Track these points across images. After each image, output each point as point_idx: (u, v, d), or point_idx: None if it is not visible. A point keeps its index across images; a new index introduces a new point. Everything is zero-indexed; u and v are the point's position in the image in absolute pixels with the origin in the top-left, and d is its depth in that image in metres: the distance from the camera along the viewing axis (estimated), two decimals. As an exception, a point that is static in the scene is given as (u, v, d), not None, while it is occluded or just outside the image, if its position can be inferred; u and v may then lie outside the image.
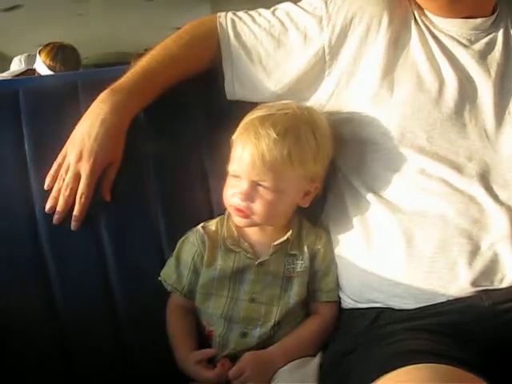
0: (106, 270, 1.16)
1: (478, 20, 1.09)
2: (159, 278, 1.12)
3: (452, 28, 1.10)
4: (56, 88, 1.26)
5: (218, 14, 1.21)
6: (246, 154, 1.03)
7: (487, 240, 0.96)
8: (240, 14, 1.21)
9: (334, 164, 1.13)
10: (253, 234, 1.11)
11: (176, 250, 1.13)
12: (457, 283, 0.95)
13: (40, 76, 2.82)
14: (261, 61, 1.17)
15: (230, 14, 1.21)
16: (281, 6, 1.20)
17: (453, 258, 0.96)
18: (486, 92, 1.05)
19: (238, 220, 1.07)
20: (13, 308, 1.10)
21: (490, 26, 1.10)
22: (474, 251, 0.96)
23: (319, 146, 1.05)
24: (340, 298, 1.10)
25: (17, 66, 3.19)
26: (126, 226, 1.18)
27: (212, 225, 1.12)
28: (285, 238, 1.09)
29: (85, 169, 1.07)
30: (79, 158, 1.07)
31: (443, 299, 0.96)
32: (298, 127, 1.04)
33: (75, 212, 1.09)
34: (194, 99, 1.24)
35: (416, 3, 1.11)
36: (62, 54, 3.04)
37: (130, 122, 1.12)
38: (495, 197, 0.99)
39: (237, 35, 1.18)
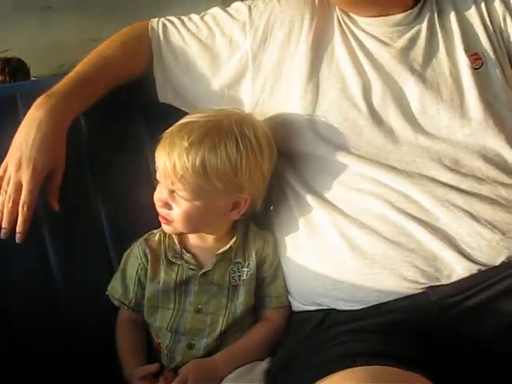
0: (53, 284, 1.15)
1: (398, 16, 1.08)
2: (107, 293, 1.11)
3: (373, 28, 1.09)
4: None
5: (152, 19, 1.19)
6: (161, 163, 1.00)
7: (428, 237, 0.95)
8: (172, 18, 1.19)
9: (275, 168, 1.10)
10: (194, 243, 1.09)
11: (122, 263, 1.11)
12: (400, 282, 0.94)
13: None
14: (188, 66, 1.15)
15: (162, 19, 1.19)
16: (210, 11, 1.19)
17: (394, 258, 0.95)
18: (409, 92, 1.04)
19: (163, 226, 1.06)
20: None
21: (414, 19, 1.09)
22: (416, 249, 0.95)
23: (243, 157, 0.99)
24: (289, 301, 1.09)
25: None
26: (73, 236, 1.17)
27: (156, 235, 1.10)
28: (227, 246, 1.07)
29: (24, 176, 1.04)
30: (18, 167, 1.04)
31: (388, 298, 0.95)
32: (217, 136, 0.99)
33: (18, 224, 1.05)
34: (134, 102, 1.23)
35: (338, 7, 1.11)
36: (8, 67, 3.01)
37: (68, 125, 1.10)
38: (430, 193, 0.97)
39: (166, 39, 1.16)
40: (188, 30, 1.16)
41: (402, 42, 1.07)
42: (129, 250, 1.11)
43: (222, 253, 1.07)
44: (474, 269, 0.92)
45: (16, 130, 1.09)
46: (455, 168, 0.99)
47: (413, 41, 1.07)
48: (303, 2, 1.12)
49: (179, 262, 1.07)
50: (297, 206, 1.08)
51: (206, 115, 1.03)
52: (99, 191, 1.19)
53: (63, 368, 1.12)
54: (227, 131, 1.00)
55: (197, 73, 1.14)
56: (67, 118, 1.10)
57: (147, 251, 1.08)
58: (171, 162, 0.98)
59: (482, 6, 1.10)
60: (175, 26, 1.17)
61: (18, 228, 1.05)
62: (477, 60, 1.06)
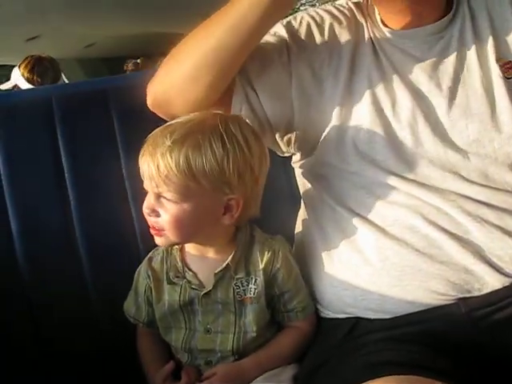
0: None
1: (429, 27, 1.03)
2: (123, 309, 1.10)
3: (405, 41, 1.04)
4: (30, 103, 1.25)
5: None
6: (144, 166, 0.95)
7: (459, 250, 0.94)
8: None
9: (309, 180, 1.11)
10: (195, 261, 1.03)
11: (134, 280, 1.09)
12: (431, 294, 0.94)
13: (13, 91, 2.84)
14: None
15: None
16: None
17: (425, 270, 0.94)
18: (438, 107, 0.99)
19: (156, 239, 1.00)
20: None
21: (446, 27, 1.04)
22: (447, 261, 0.94)
23: (230, 154, 0.93)
24: (317, 308, 1.06)
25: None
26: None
27: (159, 254, 1.06)
28: (225, 264, 1.00)
29: None
30: None
31: (418, 309, 0.94)
32: (201, 133, 0.93)
33: None
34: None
35: (372, 21, 1.08)
36: (38, 66, 3.04)
37: None
38: (460, 208, 0.95)
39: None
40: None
41: (432, 54, 1.02)
42: (139, 268, 1.08)
43: (220, 271, 1.00)
44: (506, 282, 0.92)
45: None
46: (485, 183, 0.96)
47: (443, 53, 1.02)
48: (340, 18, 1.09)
49: (181, 283, 1.02)
50: (328, 218, 1.06)
51: (189, 117, 0.98)
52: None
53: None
54: (212, 129, 0.94)
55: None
56: None
57: (149, 273, 1.05)
58: (154, 163, 0.93)
59: None
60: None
61: None
62: (510, 69, 1.00)
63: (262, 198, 1.04)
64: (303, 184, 1.16)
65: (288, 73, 1.04)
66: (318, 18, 1.10)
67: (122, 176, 1.23)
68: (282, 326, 1.06)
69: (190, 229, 0.97)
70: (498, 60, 1.00)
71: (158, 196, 0.95)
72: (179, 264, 1.03)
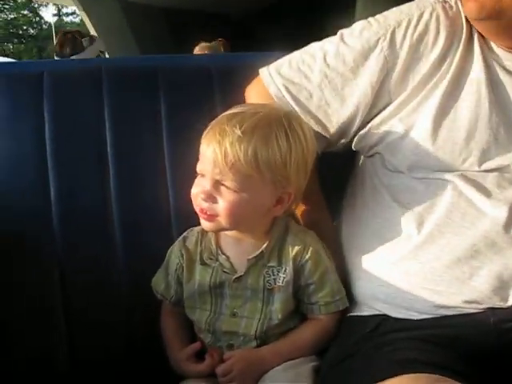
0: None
1: None
2: (151, 285, 1.13)
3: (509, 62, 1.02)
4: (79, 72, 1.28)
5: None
6: (209, 152, 0.97)
7: (497, 259, 0.94)
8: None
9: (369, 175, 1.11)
10: (229, 246, 1.05)
11: (166, 258, 1.11)
12: (462, 302, 0.94)
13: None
14: None
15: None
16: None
17: (461, 276, 0.95)
18: None
19: (204, 224, 1.01)
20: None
21: None
22: (483, 269, 0.94)
23: (292, 149, 0.98)
24: (344, 305, 1.06)
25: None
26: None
27: (194, 235, 1.08)
28: (259, 251, 1.02)
29: None
30: None
31: (448, 313, 0.95)
32: (268, 127, 0.97)
33: None
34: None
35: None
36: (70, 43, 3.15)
37: None
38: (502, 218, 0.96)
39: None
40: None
41: None
42: (172, 246, 1.11)
43: (253, 257, 1.02)
44: None
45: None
46: None
47: None
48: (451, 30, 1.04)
49: (214, 265, 1.04)
50: (380, 213, 1.06)
51: (254, 107, 1.02)
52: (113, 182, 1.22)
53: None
54: (277, 123, 0.98)
55: None
56: None
57: (183, 252, 1.07)
58: (222, 150, 0.95)
59: None
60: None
61: None
62: None
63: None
64: (360, 173, 1.15)
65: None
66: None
67: (164, 160, 1.23)
68: (306, 318, 1.08)
69: (243, 217, 1.00)
70: None
71: (217, 183, 0.97)
72: (213, 247, 1.05)
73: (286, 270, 1.02)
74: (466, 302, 0.94)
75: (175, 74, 1.26)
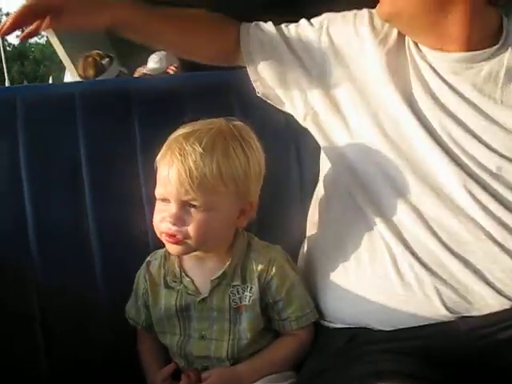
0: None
1: (460, 54, 1.03)
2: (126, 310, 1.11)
3: (436, 61, 1.05)
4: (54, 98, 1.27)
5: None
6: (172, 173, 0.94)
7: (461, 269, 0.94)
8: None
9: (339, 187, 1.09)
10: (193, 267, 1.03)
11: (135, 283, 1.09)
12: (432, 309, 0.94)
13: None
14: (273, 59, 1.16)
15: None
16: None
17: (428, 284, 0.94)
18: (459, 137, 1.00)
19: (171, 248, 0.98)
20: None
21: (480, 61, 1.03)
22: (449, 279, 0.94)
23: (250, 159, 0.98)
24: (320, 317, 1.05)
25: (154, 63, 3.20)
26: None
27: (157, 258, 1.06)
28: (221, 271, 0.99)
29: None
30: None
31: (419, 323, 0.94)
32: (225, 140, 0.97)
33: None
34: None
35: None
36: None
37: (109, 17, 1.06)
38: (465, 225, 0.96)
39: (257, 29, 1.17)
40: (278, 28, 1.16)
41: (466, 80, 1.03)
42: (139, 271, 1.09)
43: (216, 278, 1.00)
44: (506, 304, 0.91)
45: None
46: (492, 203, 0.96)
47: (475, 81, 1.02)
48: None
49: (178, 287, 1.02)
50: (349, 220, 1.06)
51: (204, 124, 1.00)
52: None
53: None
54: (231, 136, 0.98)
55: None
56: (111, 11, 1.06)
57: (147, 277, 1.05)
58: (186, 169, 0.93)
59: None
60: (267, 24, 1.17)
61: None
62: None
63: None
64: (327, 175, 1.14)
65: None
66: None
67: (139, 177, 1.22)
68: (279, 334, 1.05)
69: (213, 234, 0.98)
70: None
71: (185, 204, 0.95)
72: (177, 269, 1.03)
73: (251, 288, 1.00)
74: (435, 309, 0.93)
75: (148, 95, 1.26)
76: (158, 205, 0.98)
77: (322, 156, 1.16)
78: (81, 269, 1.19)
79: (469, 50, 1.03)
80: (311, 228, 1.16)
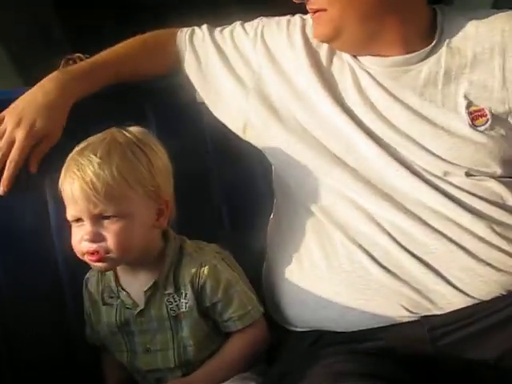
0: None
1: (397, 58, 1.03)
2: None
3: (371, 65, 1.04)
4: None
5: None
6: (75, 191, 0.92)
7: (421, 270, 0.93)
8: (202, 26, 1.21)
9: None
10: (128, 280, 1.00)
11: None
12: (393, 310, 0.93)
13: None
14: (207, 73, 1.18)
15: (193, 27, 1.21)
16: (231, 25, 1.21)
17: (388, 286, 0.94)
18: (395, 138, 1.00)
19: (96, 266, 0.96)
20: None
21: (418, 61, 1.03)
22: (409, 280, 0.93)
23: (151, 159, 0.96)
24: (283, 321, 1.05)
25: None
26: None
27: (94, 275, 1.04)
28: (153, 281, 0.97)
29: (19, 134, 1.06)
30: (16, 126, 1.07)
31: (380, 324, 0.94)
32: (120, 146, 0.95)
33: (2, 179, 1.07)
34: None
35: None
36: None
37: (72, 103, 1.12)
38: (424, 224, 0.95)
39: (192, 42, 1.19)
40: (212, 38, 1.17)
41: (397, 84, 1.02)
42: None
43: (148, 289, 0.97)
44: (467, 301, 0.92)
45: None
46: (445, 201, 0.96)
47: (407, 85, 1.02)
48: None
49: (116, 303, 1.00)
50: (301, 222, 1.05)
51: (97, 136, 0.98)
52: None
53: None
54: (126, 141, 0.97)
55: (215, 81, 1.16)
56: (72, 97, 1.12)
57: (87, 295, 1.04)
58: (89, 182, 0.91)
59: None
60: (202, 32, 1.19)
61: (2, 183, 1.07)
62: (480, 117, 0.98)
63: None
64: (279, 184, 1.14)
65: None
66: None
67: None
68: (228, 335, 1.01)
69: (135, 243, 0.95)
70: (468, 106, 0.98)
71: (97, 218, 0.92)
72: (113, 284, 1.00)
73: (186, 295, 0.97)
74: (397, 310, 0.93)
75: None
76: (73, 227, 0.95)
77: (273, 169, 1.14)
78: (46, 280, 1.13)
79: (407, 52, 1.03)
80: (270, 236, 1.14)
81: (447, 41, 1.03)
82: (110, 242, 0.92)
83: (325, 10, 1.01)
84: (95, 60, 1.16)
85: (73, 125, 1.11)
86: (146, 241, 0.97)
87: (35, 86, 1.12)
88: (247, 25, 1.17)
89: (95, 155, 0.92)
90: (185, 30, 1.20)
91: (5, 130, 1.07)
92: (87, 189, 0.90)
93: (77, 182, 0.91)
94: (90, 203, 0.91)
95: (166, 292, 0.97)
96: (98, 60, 1.16)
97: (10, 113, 1.09)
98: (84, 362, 1.12)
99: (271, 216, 1.14)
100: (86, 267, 1.01)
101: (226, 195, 1.20)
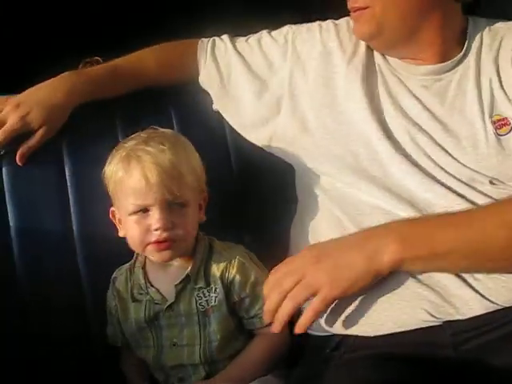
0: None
1: (429, 66, 1.06)
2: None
3: (404, 73, 1.07)
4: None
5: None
6: (150, 175, 0.93)
7: (444, 274, 0.92)
8: (223, 36, 1.22)
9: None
10: (157, 276, 1.03)
11: (107, 303, 1.09)
12: (416, 314, 0.91)
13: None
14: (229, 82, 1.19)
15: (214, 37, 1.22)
16: (257, 34, 1.22)
17: (411, 289, 0.92)
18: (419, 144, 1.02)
19: (162, 255, 0.98)
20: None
21: (448, 70, 1.06)
22: (432, 284, 0.92)
23: (198, 156, 1.03)
24: None
25: None
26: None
27: (123, 273, 1.07)
28: (184, 275, 1.00)
29: (11, 117, 1.08)
30: (13, 109, 1.09)
31: (403, 329, 0.92)
32: (180, 140, 1.02)
33: None
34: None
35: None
36: None
37: (76, 104, 1.14)
38: None
39: (213, 53, 1.19)
40: (235, 48, 1.18)
41: (428, 93, 1.05)
42: (108, 290, 1.08)
43: (180, 282, 1.00)
44: (489, 307, 0.90)
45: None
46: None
47: (439, 95, 1.04)
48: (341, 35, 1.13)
49: (145, 299, 1.02)
50: (326, 226, 1.05)
51: (147, 132, 1.02)
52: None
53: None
54: (175, 138, 1.02)
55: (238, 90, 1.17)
56: (80, 98, 1.14)
57: (115, 293, 1.06)
58: (164, 168, 0.94)
59: None
60: (224, 43, 1.20)
61: None
62: (504, 126, 1.00)
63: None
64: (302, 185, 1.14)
65: None
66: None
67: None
68: (252, 335, 1.04)
69: (193, 231, 1.01)
70: (491, 115, 1.01)
71: (166, 206, 0.95)
72: (142, 281, 1.03)
73: (215, 289, 1.00)
74: (420, 314, 0.91)
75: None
76: (132, 218, 0.97)
77: (296, 175, 1.16)
78: (67, 275, 1.13)
79: (441, 59, 1.05)
80: (293, 237, 1.14)
81: (475, 51, 1.06)
82: (181, 228, 0.96)
83: (366, 7, 1.03)
84: (112, 68, 1.18)
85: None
86: (195, 231, 1.02)
87: (47, 81, 1.15)
88: (275, 32, 1.18)
89: (164, 145, 0.96)
90: (205, 40, 1.21)
91: (1, 111, 1.10)
92: (164, 175, 0.94)
93: (148, 168, 0.94)
94: (166, 189, 0.94)
95: (197, 286, 1.00)
96: (114, 68, 1.18)
97: (13, 98, 1.12)
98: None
99: (295, 216, 1.15)
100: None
101: (248, 200, 1.22)
